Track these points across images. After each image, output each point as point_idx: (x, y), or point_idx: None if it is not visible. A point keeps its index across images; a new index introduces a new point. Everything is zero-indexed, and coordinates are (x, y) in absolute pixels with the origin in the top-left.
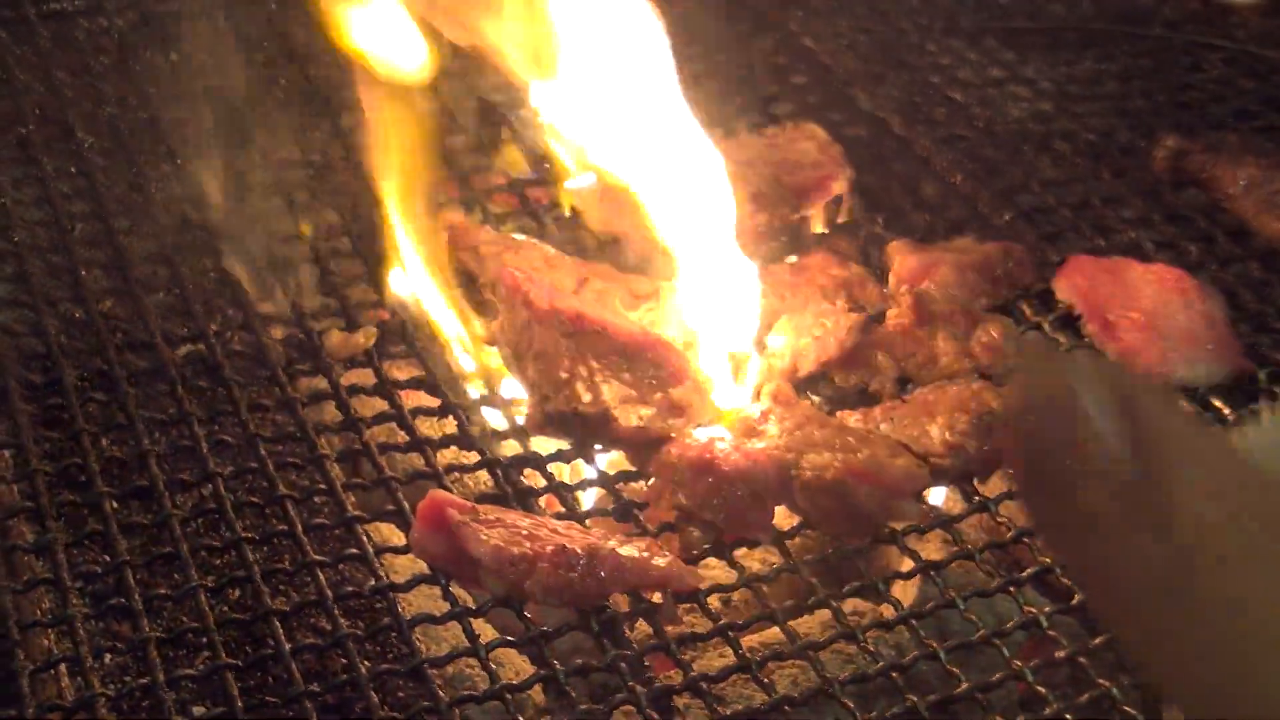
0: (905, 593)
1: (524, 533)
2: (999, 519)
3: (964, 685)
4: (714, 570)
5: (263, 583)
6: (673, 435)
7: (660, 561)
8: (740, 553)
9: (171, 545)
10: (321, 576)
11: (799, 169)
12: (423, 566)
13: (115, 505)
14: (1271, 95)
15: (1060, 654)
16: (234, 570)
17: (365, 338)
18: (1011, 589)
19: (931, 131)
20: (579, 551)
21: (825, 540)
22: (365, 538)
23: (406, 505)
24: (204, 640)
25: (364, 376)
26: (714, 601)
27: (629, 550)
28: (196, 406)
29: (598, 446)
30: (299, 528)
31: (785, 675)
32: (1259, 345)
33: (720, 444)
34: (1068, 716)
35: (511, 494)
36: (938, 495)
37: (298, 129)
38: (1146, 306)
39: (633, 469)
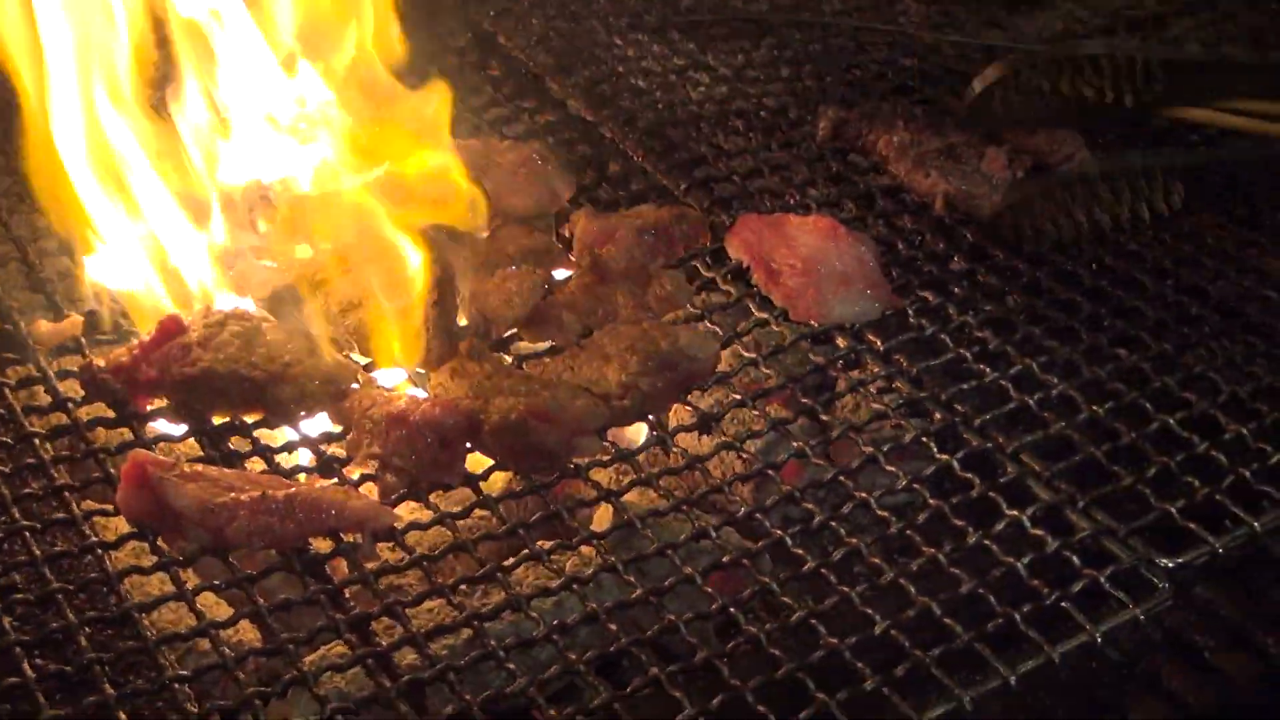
0: (601, 523)
1: (225, 485)
2: (674, 449)
3: (639, 591)
4: (414, 514)
5: None
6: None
7: (355, 503)
8: (436, 495)
9: None
10: (32, 541)
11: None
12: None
13: None
14: (928, 71)
15: (726, 559)
16: None
17: (72, 326)
18: (684, 508)
19: (617, 116)
20: (278, 497)
21: (515, 479)
22: (75, 505)
23: (114, 473)
24: None
25: (73, 361)
26: (421, 548)
27: (326, 494)
28: None
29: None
30: (8, 498)
31: (480, 599)
32: (910, 285)
33: (410, 397)
34: (732, 610)
35: (219, 458)
36: (628, 433)
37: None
38: (805, 255)
39: (335, 429)
